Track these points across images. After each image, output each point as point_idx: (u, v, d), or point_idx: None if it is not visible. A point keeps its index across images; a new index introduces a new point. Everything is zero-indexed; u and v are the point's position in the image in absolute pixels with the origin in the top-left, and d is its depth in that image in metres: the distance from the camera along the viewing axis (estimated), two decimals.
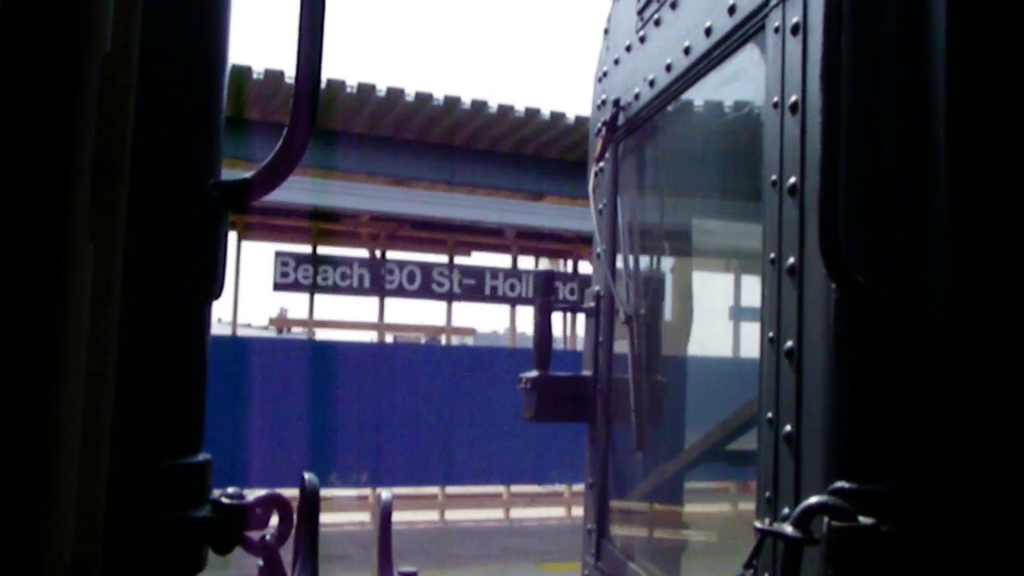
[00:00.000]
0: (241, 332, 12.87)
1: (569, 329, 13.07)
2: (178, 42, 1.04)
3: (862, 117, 1.32)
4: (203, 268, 1.09)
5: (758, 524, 1.34)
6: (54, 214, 0.85)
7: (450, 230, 12.73)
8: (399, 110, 10.39)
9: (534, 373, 2.87)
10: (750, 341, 1.71)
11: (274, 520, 1.19)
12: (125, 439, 0.95)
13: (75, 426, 0.88)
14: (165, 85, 1.01)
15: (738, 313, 2.37)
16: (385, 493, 2.47)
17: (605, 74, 2.93)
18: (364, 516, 12.22)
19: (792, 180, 1.51)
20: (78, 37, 0.87)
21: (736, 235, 2.42)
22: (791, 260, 1.50)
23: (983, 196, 1.22)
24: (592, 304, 2.91)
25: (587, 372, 2.89)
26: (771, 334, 1.56)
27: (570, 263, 12.93)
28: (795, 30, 1.54)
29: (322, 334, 12.97)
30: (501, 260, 13.35)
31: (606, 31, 2.97)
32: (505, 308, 13.95)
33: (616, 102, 2.73)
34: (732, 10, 1.87)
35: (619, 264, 2.74)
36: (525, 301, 12.06)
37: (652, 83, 2.44)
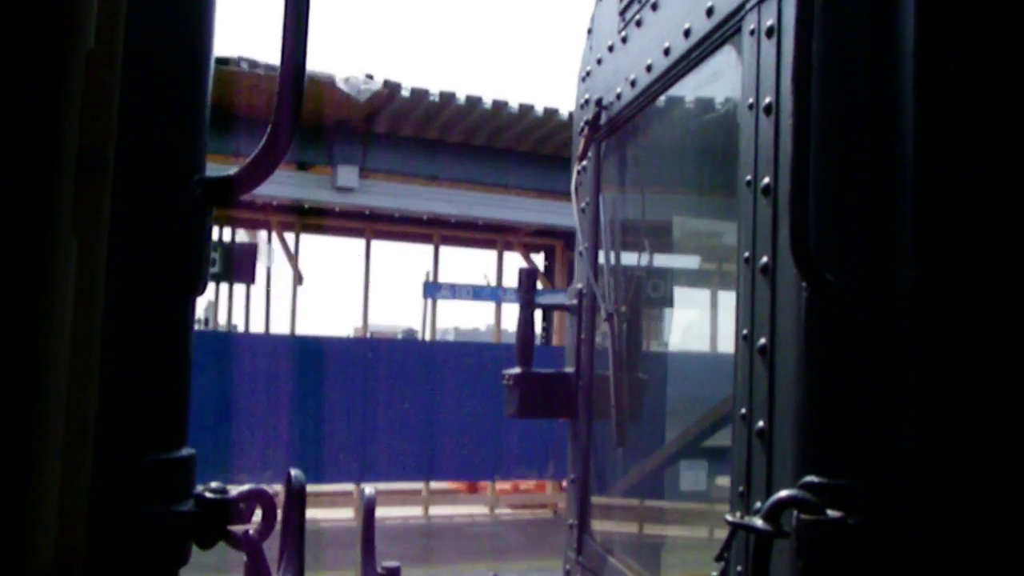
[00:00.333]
0: None
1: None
2: (163, 39, 1.05)
3: (833, 119, 1.35)
4: (187, 264, 1.09)
5: (729, 517, 1.36)
6: (38, 210, 0.86)
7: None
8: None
9: (517, 370, 2.89)
10: (726, 338, 1.74)
11: (258, 515, 1.20)
12: (109, 434, 0.95)
13: (59, 421, 0.88)
14: (150, 81, 1.02)
15: (715, 310, 2.40)
16: (368, 489, 2.49)
17: (588, 74, 2.95)
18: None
19: (766, 180, 1.53)
20: (62, 34, 0.88)
21: (714, 234, 2.45)
22: (764, 259, 1.52)
23: (950, 197, 1.25)
24: (575, 301, 2.93)
25: (569, 369, 2.92)
26: (745, 331, 1.59)
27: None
28: (770, 33, 1.57)
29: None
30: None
31: (589, 31, 2.99)
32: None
33: (599, 101, 2.75)
34: (710, 12, 1.90)
35: (601, 261, 2.77)
36: None
37: (633, 83, 2.47)
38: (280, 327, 13.05)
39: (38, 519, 0.87)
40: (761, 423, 1.50)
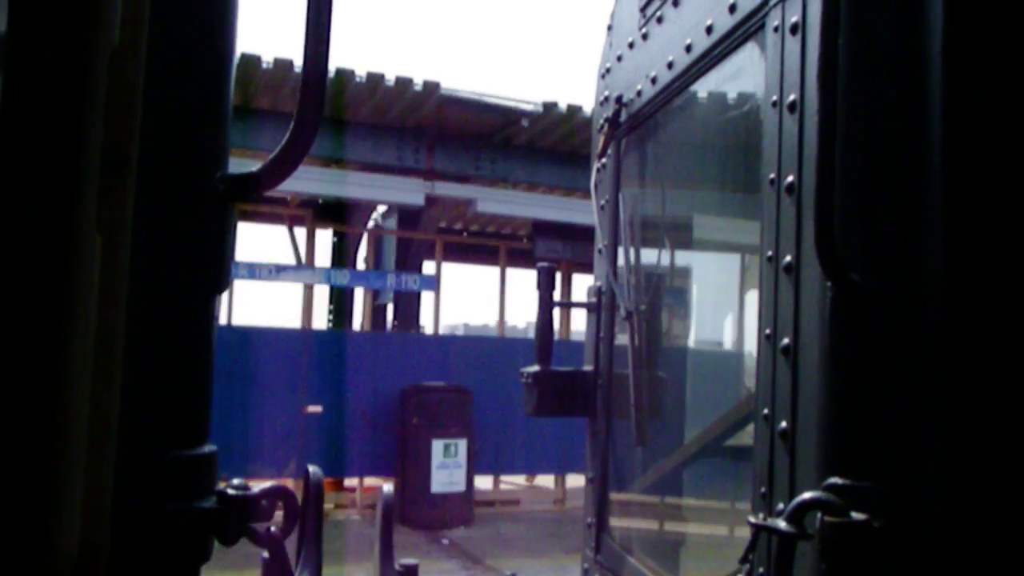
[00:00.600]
0: None
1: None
2: (186, 36, 1.05)
3: (859, 116, 1.33)
4: (210, 261, 1.10)
5: (752, 519, 1.35)
6: (63, 206, 0.86)
7: None
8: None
9: (535, 368, 2.88)
10: (748, 337, 1.72)
11: (279, 512, 1.21)
12: (132, 430, 0.96)
13: (83, 417, 0.89)
14: (173, 79, 1.02)
15: (736, 309, 2.38)
16: (386, 487, 2.49)
17: (608, 70, 2.93)
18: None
19: (790, 178, 1.52)
20: (86, 31, 0.88)
21: (736, 232, 2.42)
22: (788, 258, 1.51)
23: (978, 195, 1.23)
24: (593, 299, 2.92)
25: (588, 367, 2.90)
26: (768, 331, 1.57)
27: None
28: (794, 29, 1.55)
29: None
30: None
31: (609, 27, 2.97)
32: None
33: (619, 99, 2.73)
34: (733, 8, 1.88)
35: (620, 260, 2.75)
36: None
37: (654, 80, 2.45)
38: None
39: (63, 515, 0.87)
40: (784, 424, 1.48)
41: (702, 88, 2.23)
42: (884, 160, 1.31)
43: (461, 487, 11.66)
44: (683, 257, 2.79)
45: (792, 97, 1.53)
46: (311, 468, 1.33)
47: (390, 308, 13.96)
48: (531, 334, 3.01)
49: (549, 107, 10.73)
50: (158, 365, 1.02)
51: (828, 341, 1.36)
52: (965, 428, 1.21)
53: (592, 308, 2.93)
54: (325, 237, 13.18)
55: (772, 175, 1.59)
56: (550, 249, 12.66)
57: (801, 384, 1.45)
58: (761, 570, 1.50)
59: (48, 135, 0.86)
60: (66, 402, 0.88)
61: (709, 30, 2.02)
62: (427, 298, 13.42)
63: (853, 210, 1.32)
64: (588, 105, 10.49)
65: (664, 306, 2.69)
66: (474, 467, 11.87)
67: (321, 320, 13.19)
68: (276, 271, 11.97)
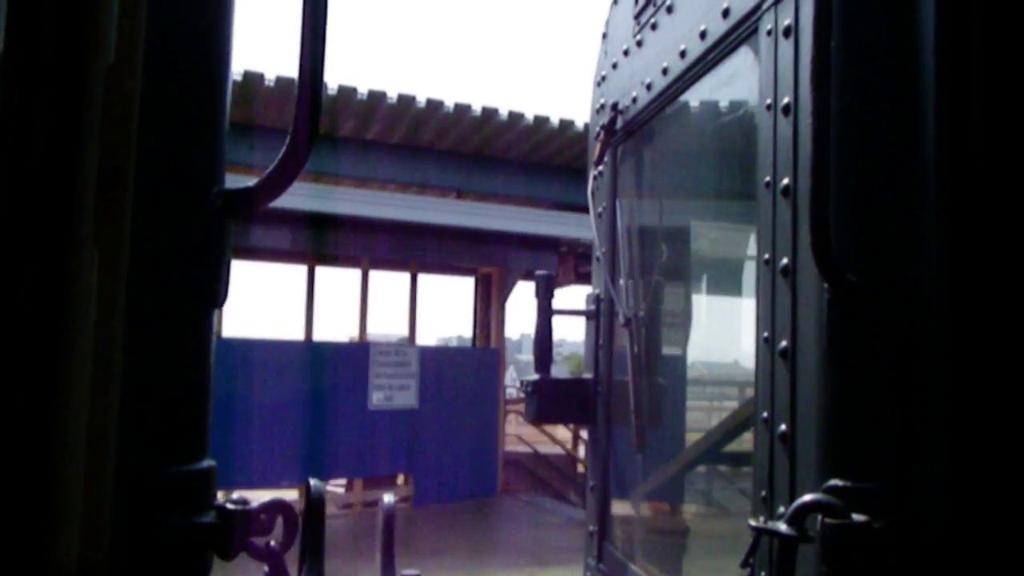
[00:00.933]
0: None
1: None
2: (182, 52, 1.05)
3: (853, 119, 1.33)
4: (207, 276, 1.10)
5: (753, 522, 1.35)
6: (59, 222, 0.86)
7: None
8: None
9: (535, 376, 2.88)
10: (747, 342, 1.72)
11: (279, 527, 1.20)
12: (130, 446, 0.95)
13: (80, 432, 0.89)
14: (169, 94, 1.02)
15: (735, 314, 2.38)
16: (387, 497, 2.48)
17: (604, 78, 2.94)
18: None
19: (785, 181, 1.52)
20: (82, 48, 0.88)
21: (733, 237, 2.43)
22: (785, 261, 1.51)
23: (972, 196, 1.24)
24: (592, 307, 2.92)
25: (588, 374, 2.90)
26: (766, 334, 1.57)
27: None
28: (787, 32, 1.56)
29: None
30: None
31: (604, 35, 2.98)
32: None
33: (614, 106, 2.74)
34: (726, 13, 1.89)
35: (619, 267, 2.76)
36: None
37: (649, 87, 2.46)
38: None
39: (61, 530, 0.87)
40: (783, 427, 1.48)
41: (697, 93, 2.24)
42: (879, 161, 1.32)
43: None
44: (681, 263, 2.79)
45: (786, 100, 1.54)
46: (312, 481, 1.33)
47: None
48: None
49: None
50: (156, 380, 1.02)
51: (826, 343, 1.36)
52: (964, 428, 1.21)
53: (591, 315, 2.93)
54: None
55: (768, 178, 1.59)
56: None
57: (800, 387, 1.45)
58: (763, 574, 1.50)
59: (44, 152, 0.87)
60: (64, 417, 0.88)
61: (703, 35, 2.03)
62: None
63: (848, 212, 1.33)
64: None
65: (663, 312, 2.69)
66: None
67: None
68: None
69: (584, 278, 13.48)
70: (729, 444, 2.29)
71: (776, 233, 1.56)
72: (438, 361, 13.14)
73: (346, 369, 12.09)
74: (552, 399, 2.88)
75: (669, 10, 2.31)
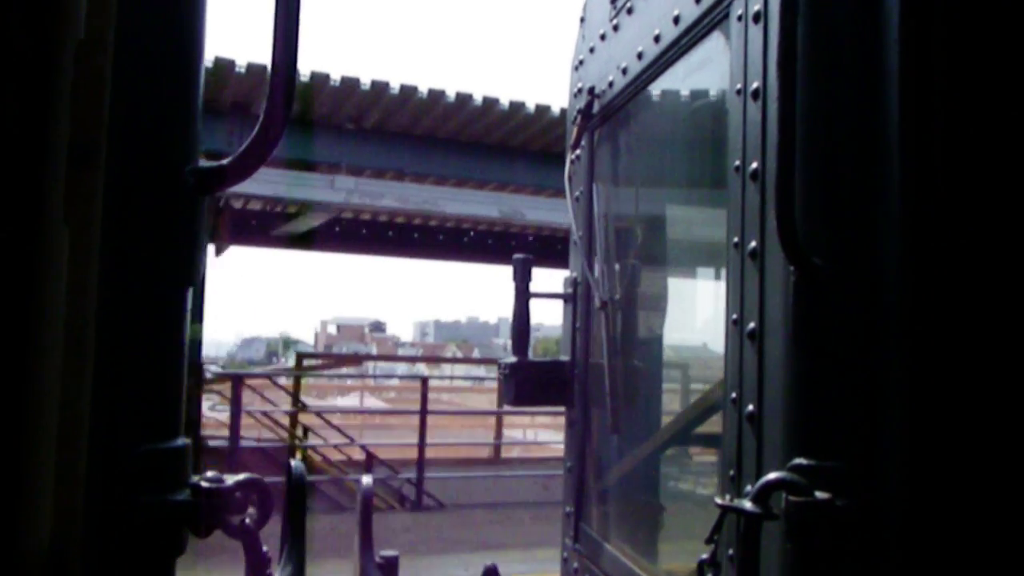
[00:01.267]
0: None
1: None
2: (154, 28, 1.05)
3: (819, 103, 1.35)
4: (181, 253, 1.10)
5: (719, 500, 1.38)
6: (29, 201, 0.86)
7: None
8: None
9: (512, 359, 2.90)
10: (719, 324, 1.75)
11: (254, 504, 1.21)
12: (103, 424, 0.96)
13: (53, 411, 0.89)
14: (141, 71, 1.02)
15: (708, 297, 2.41)
16: (365, 479, 2.49)
17: (581, 62, 2.95)
18: None
19: (754, 165, 1.54)
20: (52, 23, 0.88)
21: (706, 220, 2.45)
22: (753, 244, 1.53)
23: (935, 180, 1.26)
24: (569, 290, 2.94)
25: (565, 357, 2.92)
26: (735, 316, 1.60)
27: None
28: (756, 18, 1.57)
29: None
30: None
31: (582, 20, 2.98)
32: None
33: (591, 90, 2.75)
34: None
35: (595, 250, 2.77)
36: None
37: (625, 71, 2.47)
38: None
39: (34, 509, 0.87)
40: (751, 407, 1.51)
41: (670, 78, 2.25)
42: (844, 145, 1.34)
43: None
44: (656, 246, 2.81)
45: (755, 85, 1.56)
46: (293, 463, 1.33)
47: None
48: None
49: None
50: (129, 359, 1.02)
51: (792, 324, 1.39)
52: (925, 408, 1.24)
53: (568, 299, 2.95)
54: None
55: (737, 162, 1.61)
56: None
57: (767, 367, 1.47)
58: (730, 551, 1.53)
59: (13, 129, 0.86)
60: (36, 396, 0.88)
61: (676, 20, 2.04)
62: None
63: (814, 195, 1.35)
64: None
65: (638, 295, 2.71)
66: None
67: None
68: None
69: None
70: (700, 425, 2.32)
71: (745, 216, 1.58)
72: None
73: None
74: (530, 381, 2.90)
75: None
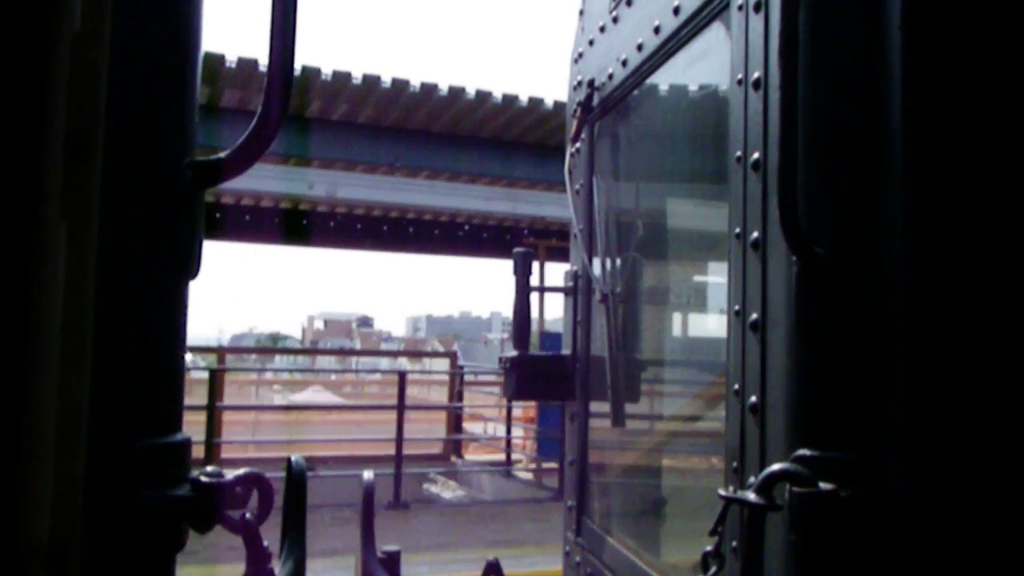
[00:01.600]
0: None
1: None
2: (150, 21, 1.04)
3: (820, 92, 1.35)
4: (179, 247, 1.09)
5: (723, 492, 1.37)
6: (26, 194, 0.86)
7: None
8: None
9: (513, 353, 2.90)
10: (720, 315, 1.74)
11: (255, 499, 1.21)
12: (102, 419, 0.95)
13: (51, 406, 0.89)
14: (138, 64, 1.01)
15: (710, 288, 2.40)
16: (367, 474, 2.48)
17: (580, 55, 2.94)
18: None
19: (756, 156, 1.53)
20: (48, 15, 0.87)
21: (707, 211, 2.44)
22: (755, 234, 1.52)
23: (938, 169, 1.25)
24: (570, 284, 2.93)
25: (566, 351, 2.92)
26: (737, 307, 1.59)
27: None
28: (757, 7, 1.56)
29: None
30: None
31: (581, 12, 2.97)
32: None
33: (591, 83, 2.74)
34: None
35: (596, 243, 2.77)
36: None
37: (624, 63, 2.46)
38: None
39: (33, 505, 0.87)
40: (754, 398, 1.50)
41: (671, 69, 2.24)
42: (846, 135, 1.33)
43: None
44: (657, 238, 2.80)
45: (756, 75, 1.55)
46: (293, 457, 1.33)
47: None
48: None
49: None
50: (128, 353, 1.02)
51: (794, 315, 1.38)
52: (929, 397, 1.24)
53: (568, 292, 2.94)
54: None
55: (739, 152, 1.61)
56: None
57: (769, 358, 1.47)
58: (734, 543, 1.52)
59: (9, 122, 0.86)
60: (34, 392, 0.87)
61: (676, 11, 2.03)
62: None
63: (816, 185, 1.34)
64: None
65: (639, 288, 2.70)
66: None
67: None
68: None
69: None
70: (703, 417, 2.31)
71: (747, 207, 1.57)
72: None
73: None
74: (530, 375, 2.90)
75: None
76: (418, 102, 10.34)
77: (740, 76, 1.61)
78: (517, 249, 2.96)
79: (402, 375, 12.07)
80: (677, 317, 2.68)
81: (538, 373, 2.92)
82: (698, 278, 2.58)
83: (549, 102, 10.42)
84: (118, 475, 0.99)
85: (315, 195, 11.48)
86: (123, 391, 1.01)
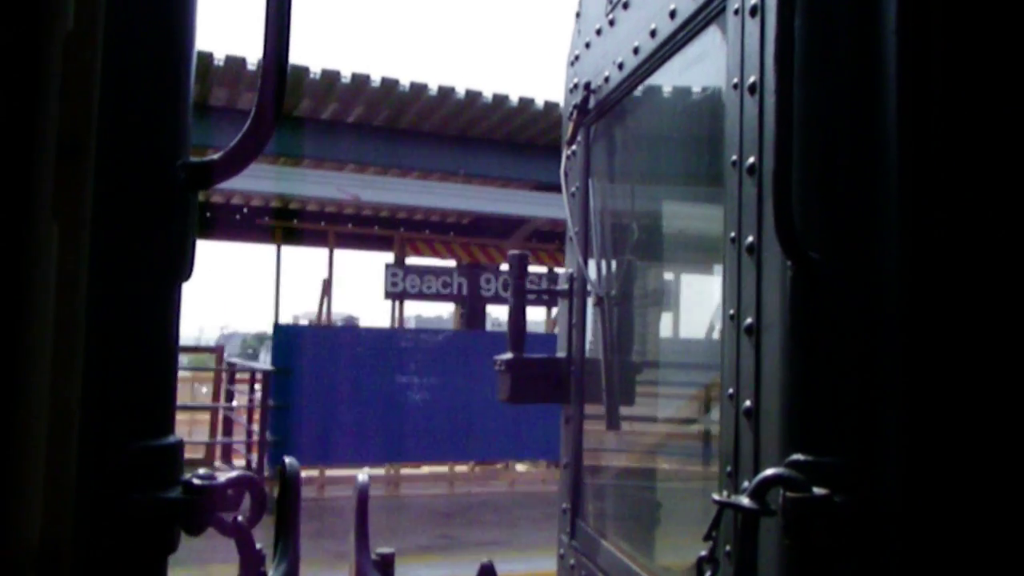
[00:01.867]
0: None
1: None
2: (144, 21, 1.04)
3: (816, 97, 1.35)
4: (172, 249, 1.09)
5: (716, 496, 1.37)
6: (18, 195, 0.85)
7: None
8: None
9: (508, 355, 2.89)
10: (714, 320, 1.74)
11: (247, 502, 1.20)
12: (94, 421, 0.95)
13: (43, 408, 0.88)
14: (131, 64, 1.01)
15: (704, 292, 2.40)
16: (361, 476, 2.48)
17: (577, 58, 2.94)
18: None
19: (751, 160, 1.54)
20: (40, 15, 0.87)
21: (702, 215, 2.45)
22: (750, 239, 1.53)
23: (933, 174, 1.26)
24: (565, 286, 2.93)
25: (561, 353, 2.92)
26: (732, 311, 1.59)
27: None
28: (753, 11, 1.56)
29: None
30: None
31: (578, 15, 2.98)
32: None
33: (587, 85, 2.74)
34: None
35: (591, 246, 2.77)
36: None
37: (620, 66, 2.46)
38: None
39: (24, 507, 0.87)
40: (748, 402, 1.50)
41: (666, 73, 2.24)
42: (841, 140, 1.33)
43: None
44: (652, 241, 2.81)
45: (752, 79, 1.55)
46: (287, 460, 1.33)
47: None
48: None
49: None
50: (120, 355, 1.01)
51: (789, 319, 1.38)
52: (924, 403, 1.24)
53: (564, 295, 2.94)
54: None
55: (734, 157, 1.61)
56: None
57: (764, 363, 1.47)
58: (727, 548, 1.52)
59: (1, 122, 0.85)
60: (25, 393, 0.87)
61: (672, 14, 2.03)
62: None
63: (811, 189, 1.34)
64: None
65: (634, 291, 2.70)
66: None
67: None
68: None
69: None
70: (697, 421, 2.31)
71: (742, 211, 1.57)
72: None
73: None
74: (525, 378, 2.89)
75: None
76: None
77: (736, 80, 1.61)
78: (512, 252, 2.96)
79: None
80: (671, 321, 2.68)
81: (533, 375, 2.91)
82: (693, 282, 2.58)
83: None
84: (110, 477, 0.98)
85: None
86: (115, 393, 1.00)
